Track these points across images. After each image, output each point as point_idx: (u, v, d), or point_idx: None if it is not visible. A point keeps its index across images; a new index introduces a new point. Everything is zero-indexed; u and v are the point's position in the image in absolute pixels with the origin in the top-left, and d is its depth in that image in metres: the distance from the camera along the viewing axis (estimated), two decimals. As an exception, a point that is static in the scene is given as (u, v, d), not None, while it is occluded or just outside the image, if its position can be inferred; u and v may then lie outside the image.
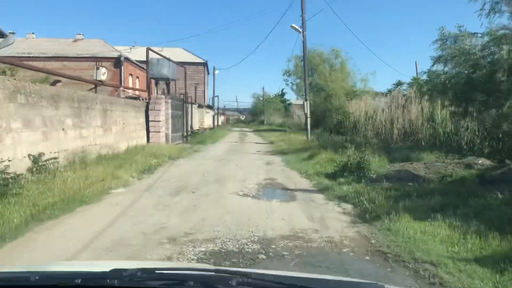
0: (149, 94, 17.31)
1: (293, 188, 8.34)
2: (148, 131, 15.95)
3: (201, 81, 46.19)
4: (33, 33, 29.81)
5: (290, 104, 78.06)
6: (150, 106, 15.98)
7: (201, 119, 28.58)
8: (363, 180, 8.35)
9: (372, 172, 8.94)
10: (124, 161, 10.30)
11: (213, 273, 1.41)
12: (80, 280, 1.33)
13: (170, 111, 17.58)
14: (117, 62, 26.10)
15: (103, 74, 12.11)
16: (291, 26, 21.35)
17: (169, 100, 17.57)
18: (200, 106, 28.49)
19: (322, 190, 7.91)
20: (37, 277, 1.34)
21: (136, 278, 1.34)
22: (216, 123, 38.96)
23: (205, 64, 46.57)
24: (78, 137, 9.67)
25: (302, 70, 39.49)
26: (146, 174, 9.53)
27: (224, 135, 29.11)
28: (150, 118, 15.92)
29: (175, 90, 23.33)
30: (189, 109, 23.04)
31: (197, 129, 25.68)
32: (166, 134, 17.20)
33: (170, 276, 1.39)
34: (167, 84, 21.18)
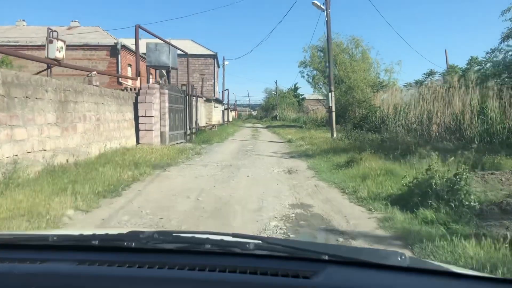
0: (143, 83, 13.81)
1: (346, 229, 4.70)
2: (137, 130, 12.45)
3: (210, 74, 42.59)
4: (23, 20, 26.56)
5: (303, 98, 74.27)
6: (140, 98, 12.47)
7: (209, 114, 25.09)
8: (464, 215, 4.72)
9: (472, 198, 5.27)
10: (80, 176, 6.77)
11: (231, 237, 1.37)
12: (97, 241, 1.32)
13: (167, 104, 14.06)
14: (113, 50, 22.69)
15: (58, 50, 8.57)
16: (313, 3, 17.63)
17: (166, 91, 14.05)
18: (207, 100, 24.94)
19: (405, 239, 4.23)
20: (55, 238, 1.34)
21: (153, 240, 1.30)
22: (226, 118, 35.34)
23: (214, 57, 42.93)
24: (5, 141, 6.17)
25: (319, 60, 35.91)
26: (107, 198, 5.96)
27: (234, 132, 25.53)
28: (140, 113, 12.41)
29: (177, 82, 19.82)
30: (194, 103, 19.52)
31: (204, 126, 22.13)
32: (162, 132, 13.69)
33: (187, 239, 1.35)
34: (167, 73, 17.74)
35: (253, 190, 6.89)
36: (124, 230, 1.38)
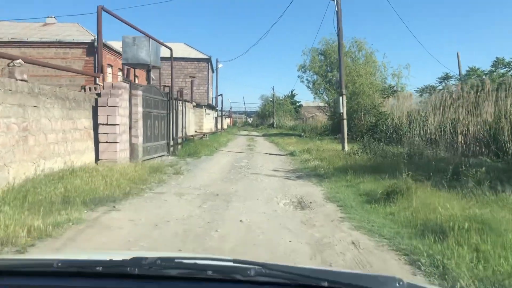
0: (114, 81, 10.66)
1: None
2: (97, 142, 9.30)
3: (203, 79, 39.60)
4: (-7, 15, 23.38)
5: (300, 106, 71.37)
6: (101, 100, 9.32)
7: (199, 121, 22.00)
8: None
9: None
10: None
11: (232, 263, 1.38)
12: (101, 267, 1.32)
13: (140, 109, 10.96)
14: (90, 48, 19.60)
15: None
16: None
17: (140, 93, 10.96)
18: (198, 105, 21.84)
19: None
20: (59, 264, 1.33)
21: (155, 266, 1.31)
22: (219, 126, 32.16)
23: (208, 60, 39.95)
24: None
25: (320, 64, 33.00)
26: None
27: (227, 141, 22.40)
28: (100, 120, 9.26)
29: (160, 84, 16.72)
30: (180, 108, 16.41)
31: (193, 135, 18.98)
32: (132, 144, 10.57)
33: (189, 265, 1.34)
34: (147, 73, 14.76)
35: (250, 252, 3.78)
36: (128, 256, 1.36)
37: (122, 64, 14.45)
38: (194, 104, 20.96)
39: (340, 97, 14.27)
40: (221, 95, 36.84)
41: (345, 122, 14.38)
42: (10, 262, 1.51)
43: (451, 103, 16.67)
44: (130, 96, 10.62)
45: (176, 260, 1.35)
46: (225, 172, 10.28)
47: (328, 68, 33.20)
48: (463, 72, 23.90)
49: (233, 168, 11.22)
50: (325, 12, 52.44)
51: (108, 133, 9.25)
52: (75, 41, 19.39)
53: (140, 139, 10.84)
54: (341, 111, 14.19)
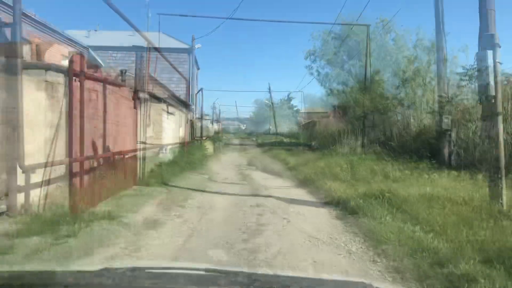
0: None
1: None
2: None
3: (184, 74, 30.11)
4: None
5: (297, 111, 62.31)
6: None
7: (159, 127, 12.52)
8: None
9: None
10: None
11: (203, 272, 1.25)
12: (71, 278, 1.22)
13: None
14: None
15: None
16: None
17: None
18: (154, 98, 12.24)
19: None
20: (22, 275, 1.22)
21: (125, 277, 1.19)
22: (198, 134, 22.35)
23: (190, 51, 30.38)
24: None
25: (334, 50, 23.88)
26: None
27: (203, 161, 12.67)
28: None
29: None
30: (76, 98, 6.72)
31: (126, 152, 9.17)
32: None
33: (161, 275, 1.23)
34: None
35: None
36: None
37: None
38: (147, 96, 11.34)
39: (490, 52, 4.70)
40: (202, 89, 27.10)
41: (500, 120, 4.82)
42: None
43: None
44: None
45: (146, 271, 1.25)
46: None
47: (345, 57, 23.93)
48: None
49: None
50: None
51: None
52: None
53: None
54: (493, 93, 4.66)
